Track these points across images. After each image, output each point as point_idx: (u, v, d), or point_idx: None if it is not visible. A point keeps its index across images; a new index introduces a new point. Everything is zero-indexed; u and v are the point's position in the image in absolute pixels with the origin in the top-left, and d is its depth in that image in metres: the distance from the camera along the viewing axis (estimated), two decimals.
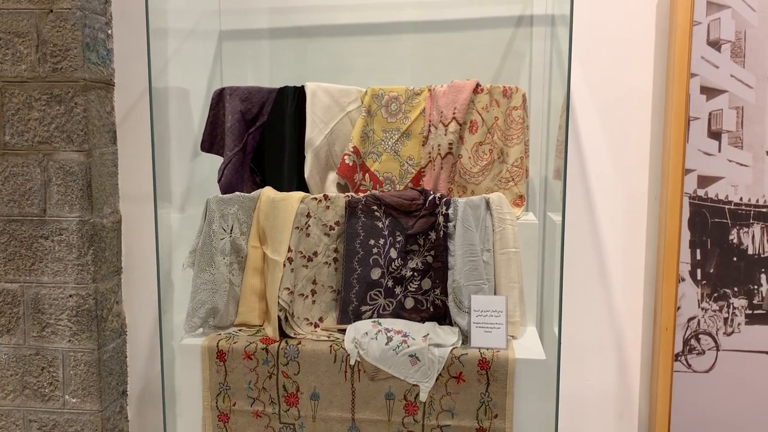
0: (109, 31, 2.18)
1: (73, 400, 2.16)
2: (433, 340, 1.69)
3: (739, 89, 1.97)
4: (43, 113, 2.05)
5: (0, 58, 2.04)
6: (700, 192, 2.00)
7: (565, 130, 1.84)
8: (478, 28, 2.17)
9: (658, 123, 2.09)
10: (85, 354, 2.14)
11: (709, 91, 1.98)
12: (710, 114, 1.98)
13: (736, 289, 2.01)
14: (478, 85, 1.94)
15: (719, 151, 1.99)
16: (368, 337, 1.71)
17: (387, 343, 1.68)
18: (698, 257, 2.02)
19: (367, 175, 2.00)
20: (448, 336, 1.73)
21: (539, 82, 2.13)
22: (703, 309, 2.02)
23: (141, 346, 2.34)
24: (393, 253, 1.83)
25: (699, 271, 2.02)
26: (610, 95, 2.10)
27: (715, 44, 1.96)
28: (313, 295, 1.86)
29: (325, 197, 1.86)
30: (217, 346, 1.76)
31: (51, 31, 2.02)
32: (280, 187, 1.94)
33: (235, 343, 1.76)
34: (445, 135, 1.91)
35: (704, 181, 2.00)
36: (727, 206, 2.00)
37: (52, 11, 2.01)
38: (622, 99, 2.10)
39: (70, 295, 2.12)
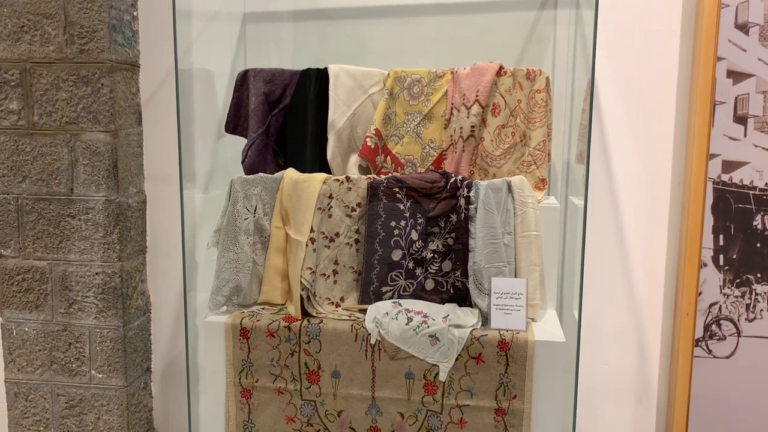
0: (135, 13, 2.20)
1: (99, 376, 2.21)
2: (453, 321, 1.70)
3: (767, 73, 1.94)
4: (70, 94, 2.09)
5: (29, 40, 2.08)
6: (725, 177, 1.98)
7: (588, 114, 1.83)
8: (502, 11, 2.16)
9: (682, 107, 2.07)
10: (110, 331, 2.18)
11: (736, 75, 1.95)
12: (736, 98, 1.96)
13: (759, 275, 2.00)
14: (501, 67, 1.93)
15: (745, 135, 1.97)
16: (389, 317, 1.73)
17: (407, 323, 1.70)
18: (721, 243, 2.00)
19: (388, 157, 2.01)
20: (468, 317, 1.74)
21: (563, 65, 2.11)
22: (725, 294, 2.01)
23: (164, 324, 2.38)
24: (414, 235, 1.84)
25: (722, 256, 2.01)
26: (634, 79, 2.08)
27: (743, 27, 1.94)
28: (334, 275, 1.88)
29: (347, 179, 1.88)
30: (241, 323, 1.80)
31: (78, 13, 2.04)
32: (302, 169, 1.95)
33: (258, 321, 1.79)
34: (468, 118, 1.91)
35: (729, 166, 1.98)
36: (751, 192, 1.98)
37: None
38: (646, 83, 2.07)
39: (97, 273, 2.16)
